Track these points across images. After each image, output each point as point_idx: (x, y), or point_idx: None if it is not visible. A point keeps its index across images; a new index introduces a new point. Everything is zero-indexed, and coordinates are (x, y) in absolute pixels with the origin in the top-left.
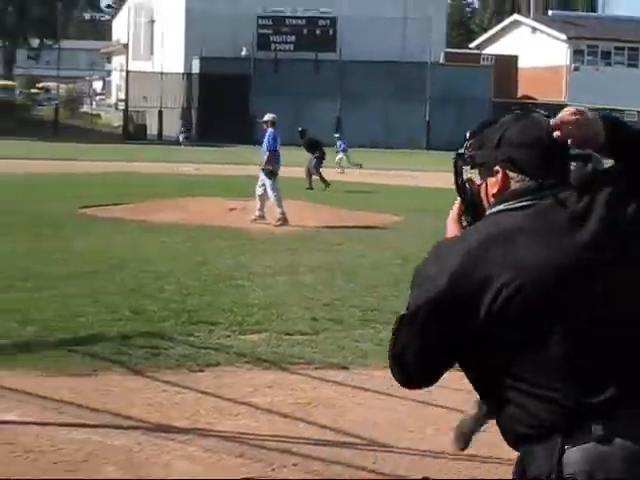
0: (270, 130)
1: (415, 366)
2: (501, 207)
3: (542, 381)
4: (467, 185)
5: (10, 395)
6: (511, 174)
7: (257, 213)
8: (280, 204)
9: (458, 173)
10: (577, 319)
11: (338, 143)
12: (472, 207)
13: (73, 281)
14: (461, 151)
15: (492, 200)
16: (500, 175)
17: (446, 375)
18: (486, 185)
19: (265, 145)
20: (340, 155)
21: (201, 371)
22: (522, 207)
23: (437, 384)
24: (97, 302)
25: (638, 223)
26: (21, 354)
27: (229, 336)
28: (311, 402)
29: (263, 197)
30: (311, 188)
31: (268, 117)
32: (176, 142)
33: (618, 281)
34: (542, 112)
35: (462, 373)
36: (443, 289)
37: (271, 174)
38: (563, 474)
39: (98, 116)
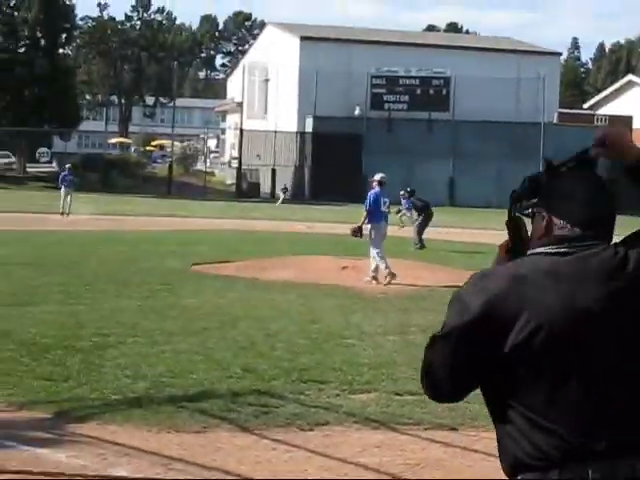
0: (374, 190)
1: (445, 382)
2: (542, 250)
3: (552, 415)
4: (517, 223)
5: (121, 450)
6: (556, 221)
7: (371, 274)
8: (384, 261)
9: (510, 211)
10: (596, 364)
11: (404, 202)
12: (518, 244)
13: (185, 337)
14: (517, 190)
15: (537, 242)
16: (546, 221)
17: None
18: (534, 228)
19: (365, 204)
20: (403, 211)
21: (310, 430)
22: (562, 253)
23: None
24: (208, 359)
25: None
26: (132, 409)
27: (339, 395)
28: (420, 463)
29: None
30: (422, 247)
31: (377, 176)
32: (288, 201)
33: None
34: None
35: None
36: (476, 316)
37: (371, 233)
38: None
39: (212, 174)
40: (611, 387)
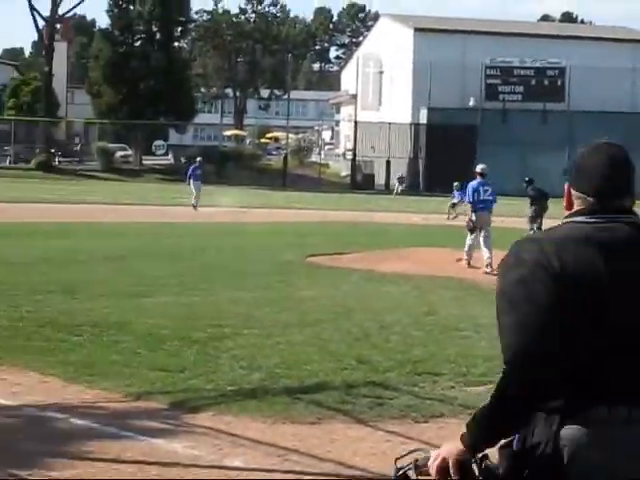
0: (474, 182)
1: (534, 344)
2: (571, 219)
3: (567, 364)
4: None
5: (236, 441)
6: (574, 193)
7: (485, 263)
8: (470, 251)
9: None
10: (612, 319)
11: (456, 193)
12: None
13: (300, 329)
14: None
15: (566, 212)
16: (566, 192)
17: None
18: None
19: (467, 195)
20: (454, 201)
21: (425, 422)
22: (590, 222)
23: None
24: (323, 350)
25: None
26: (247, 400)
27: (453, 387)
28: None
29: (487, 246)
30: None
31: (478, 167)
32: (403, 192)
33: None
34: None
35: None
36: (531, 264)
37: (469, 224)
38: (559, 444)
39: (326, 165)
40: (626, 343)
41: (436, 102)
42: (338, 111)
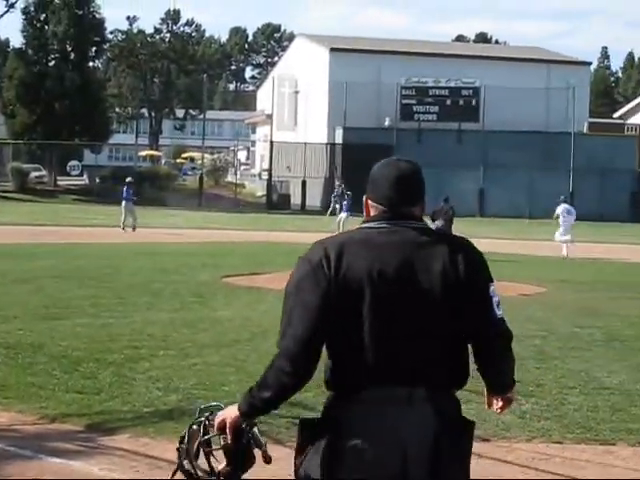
0: None
1: (307, 331)
2: (364, 225)
3: (345, 349)
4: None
5: (153, 462)
6: (370, 203)
7: None
8: None
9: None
10: (385, 308)
11: (344, 203)
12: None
13: (216, 349)
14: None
15: (365, 219)
16: (365, 202)
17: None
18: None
19: None
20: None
21: None
22: (377, 228)
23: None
24: (240, 371)
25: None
26: (164, 422)
27: None
28: None
29: None
30: None
31: None
32: (319, 212)
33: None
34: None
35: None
36: (316, 263)
37: None
38: (341, 422)
39: (242, 185)
40: (394, 331)
41: (352, 122)
42: (254, 131)
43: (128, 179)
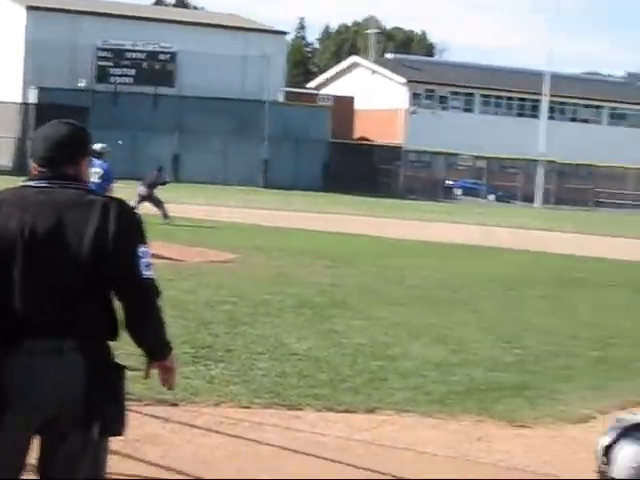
0: (98, 162)
1: None
2: (23, 183)
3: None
4: None
5: None
6: (32, 163)
7: None
8: None
9: None
10: (34, 268)
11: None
12: None
13: None
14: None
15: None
16: (32, 165)
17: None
18: None
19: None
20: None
21: None
22: (32, 186)
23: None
24: None
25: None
26: None
27: None
28: (139, 439)
29: None
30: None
31: (96, 146)
32: (9, 172)
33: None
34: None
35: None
36: None
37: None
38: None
39: None
40: (31, 285)
41: (48, 82)
42: None
43: None
